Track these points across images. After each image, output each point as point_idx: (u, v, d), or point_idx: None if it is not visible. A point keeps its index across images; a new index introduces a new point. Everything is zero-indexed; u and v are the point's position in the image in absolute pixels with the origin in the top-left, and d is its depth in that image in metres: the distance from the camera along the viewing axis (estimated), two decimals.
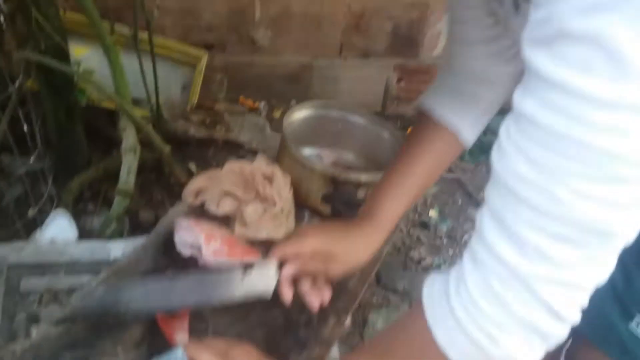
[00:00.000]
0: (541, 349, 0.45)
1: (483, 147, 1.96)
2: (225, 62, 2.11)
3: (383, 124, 1.18)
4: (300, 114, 1.15)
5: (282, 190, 0.97)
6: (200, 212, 0.97)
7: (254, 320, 0.80)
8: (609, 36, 0.33)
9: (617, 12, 0.33)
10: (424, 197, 1.99)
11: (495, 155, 0.43)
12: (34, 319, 0.83)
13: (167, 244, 0.89)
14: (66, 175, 1.58)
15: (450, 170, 2.08)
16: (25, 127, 1.34)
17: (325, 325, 0.79)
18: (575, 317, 0.44)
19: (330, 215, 1.04)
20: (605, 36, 0.33)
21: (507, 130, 0.42)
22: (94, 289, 0.73)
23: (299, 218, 1.02)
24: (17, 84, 1.24)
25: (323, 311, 0.78)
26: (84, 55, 1.81)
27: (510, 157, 0.41)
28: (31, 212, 1.48)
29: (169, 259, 0.86)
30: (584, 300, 0.43)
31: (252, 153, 1.96)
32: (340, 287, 0.83)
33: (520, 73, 0.64)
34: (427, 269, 1.76)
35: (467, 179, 2.13)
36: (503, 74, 0.76)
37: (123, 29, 1.71)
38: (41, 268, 0.88)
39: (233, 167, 0.98)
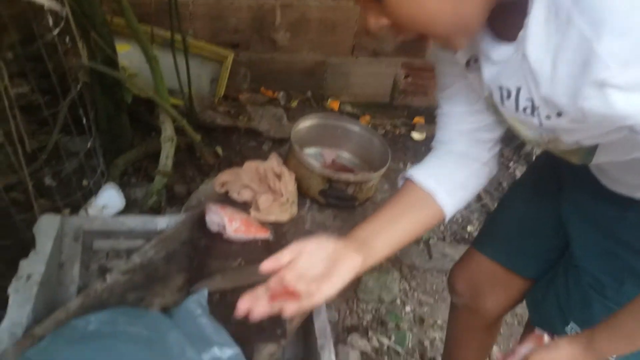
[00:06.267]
0: None
1: None
2: (249, 58, 2.34)
3: (373, 132, 1.44)
4: (305, 123, 1.40)
5: (288, 185, 1.25)
6: (224, 199, 1.26)
7: None
8: None
9: None
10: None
11: None
12: (102, 269, 1.14)
13: (200, 221, 1.18)
14: (113, 154, 1.87)
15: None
16: (82, 114, 1.62)
17: None
18: None
19: (325, 205, 1.32)
20: None
21: None
22: None
23: (301, 205, 1.30)
24: (79, 85, 1.53)
25: None
26: (127, 51, 2.10)
27: None
28: (85, 183, 1.78)
29: (201, 233, 1.16)
30: None
31: (270, 140, 2.20)
32: None
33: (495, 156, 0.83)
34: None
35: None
36: (482, 151, 0.83)
37: (159, 31, 1.98)
38: (107, 234, 1.17)
39: (251, 165, 1.26)
